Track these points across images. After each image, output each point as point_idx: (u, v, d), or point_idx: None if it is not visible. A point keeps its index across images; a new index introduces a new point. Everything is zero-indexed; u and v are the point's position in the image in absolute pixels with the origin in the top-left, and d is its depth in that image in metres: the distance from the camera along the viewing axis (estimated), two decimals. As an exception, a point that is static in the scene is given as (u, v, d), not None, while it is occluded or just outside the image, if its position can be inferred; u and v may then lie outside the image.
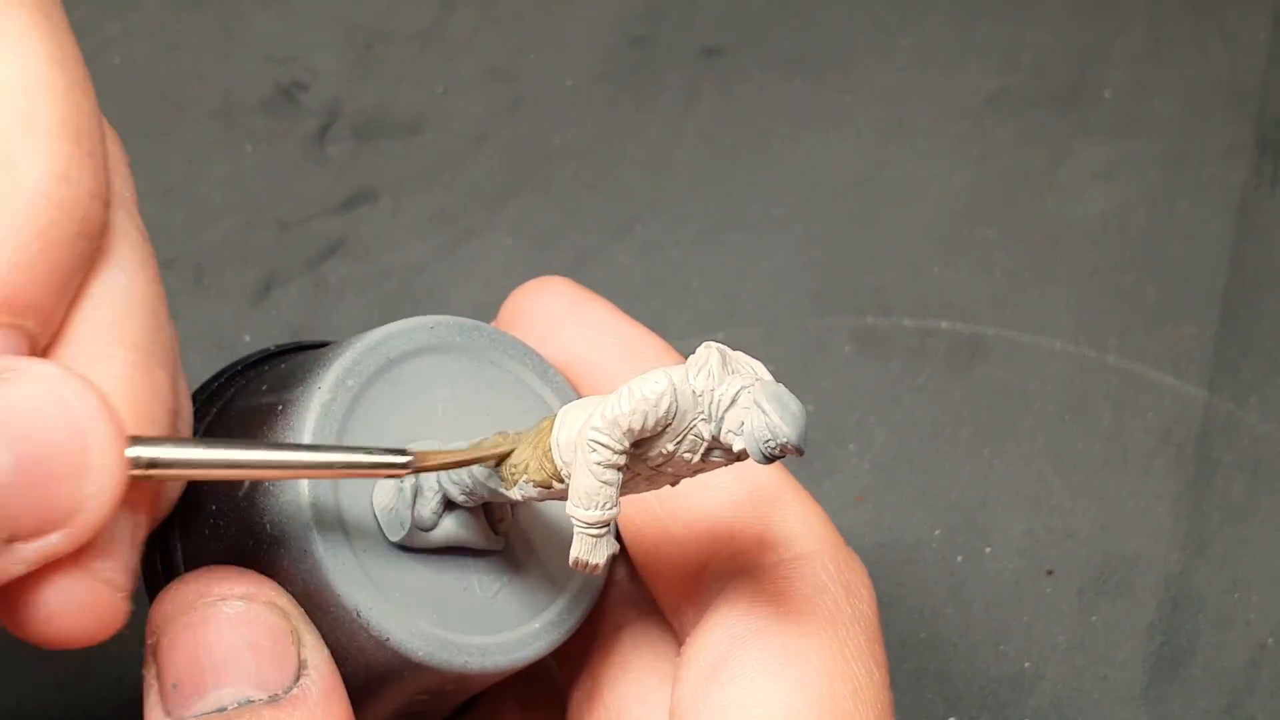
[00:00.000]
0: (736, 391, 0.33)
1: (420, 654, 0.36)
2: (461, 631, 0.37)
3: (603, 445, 0.33)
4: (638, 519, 0.41)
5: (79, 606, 0.32)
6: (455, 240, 0.70)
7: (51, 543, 0.31)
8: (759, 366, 0.34)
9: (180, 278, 0.68)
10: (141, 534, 0.34)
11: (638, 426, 0.32)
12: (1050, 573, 0.61)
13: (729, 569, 0.39)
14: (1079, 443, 0.65)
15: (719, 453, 0.33)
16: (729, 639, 0.37)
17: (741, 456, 0.33)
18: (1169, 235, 0.72)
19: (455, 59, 0.77)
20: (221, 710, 0.34)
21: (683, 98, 0.76)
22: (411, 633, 0.36)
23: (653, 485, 0.34)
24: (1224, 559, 0.62)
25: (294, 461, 0.34)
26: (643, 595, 0.43)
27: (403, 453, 0.35)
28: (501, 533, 0.38)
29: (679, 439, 0.33)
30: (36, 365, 0.31)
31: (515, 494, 0.36)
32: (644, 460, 0.33)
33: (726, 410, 0.32)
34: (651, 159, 0.74)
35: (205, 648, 0.35)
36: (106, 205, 0.36)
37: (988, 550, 0.62)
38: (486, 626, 0.38)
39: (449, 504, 0.37)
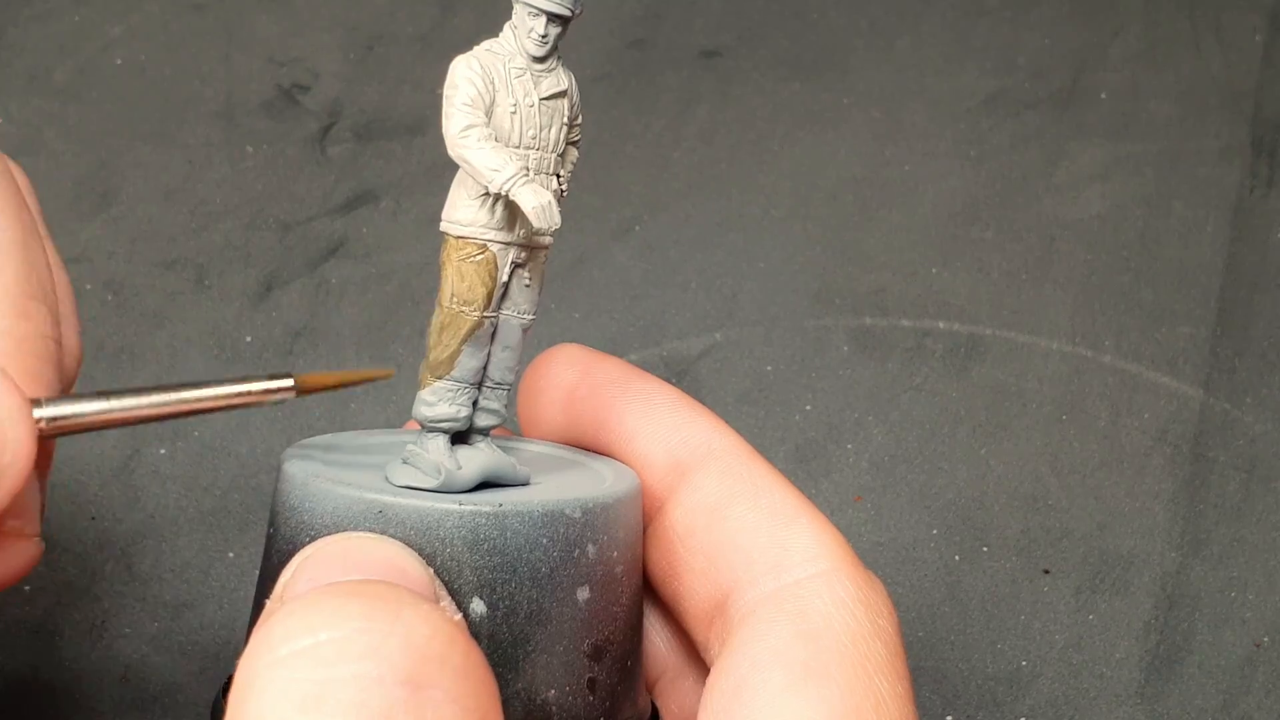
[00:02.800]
0: (515, 20, 0.38)
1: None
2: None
3: (463, 125, 0.37)
4: (660, 556, 0.41)
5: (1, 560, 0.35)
6: (455, 241, 0.70)
7: None
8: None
9: (182, 278, 0.69)
10: (44, 482, 0.36)
11: (469, 96, 0.37)
12: (1047, 572, 0.62)
13: (750, 595, 0.39)
14: (1075, 442, 0.65)
15: (538, 61, 0.38)
16: (750, 660, 0.37)
17: (552, 30, 0.38)
18: (1165, 236, 0.72)
19: (455, 61, 0.77)
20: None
21: (682, 99, 0.76)
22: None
23: (548, 131, 0.39)
24: (1220, 558, 0.62)
25: (187, 399, 0.36)
26: (676, 643, 0.43)
27: (286, 376, 0.37)
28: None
29: (510, 87, 0.38)
30: None
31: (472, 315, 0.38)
32: (510, 118, 0.38)
33: (520, 38, 0.38)
34: (651, 160, 0.74)
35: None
36: None
37: (985, 549, 0.62)
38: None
39: (455, 439, 0.39)
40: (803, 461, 0.64)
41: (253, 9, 0.78)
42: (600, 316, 0.68)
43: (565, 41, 0.39)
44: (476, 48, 0.38)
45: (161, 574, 0.60)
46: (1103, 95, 0.77)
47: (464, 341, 0.38)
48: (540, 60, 0.38)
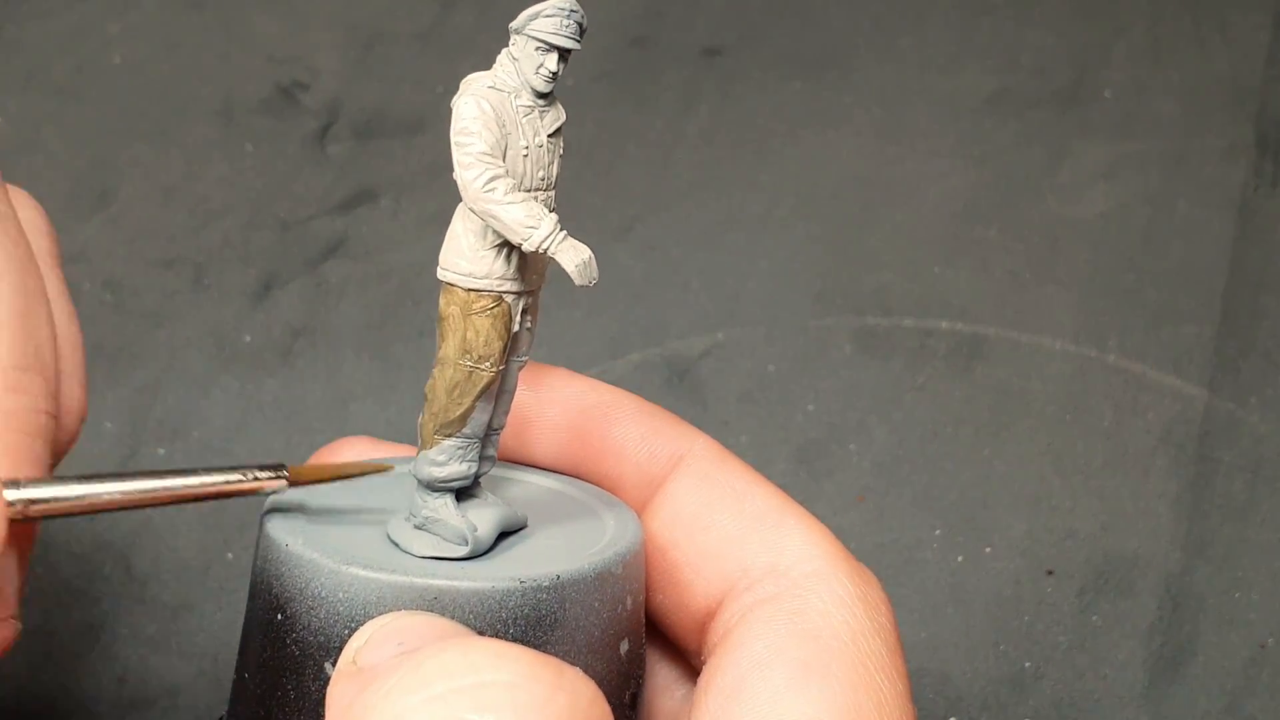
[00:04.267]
0: (515, 52, 0.36)
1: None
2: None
3: (487, 179, 0.35)
4: (647, 568, 0.41)
5: None
6: (456, 240, 0.70)
7: None
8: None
9: (180, 278, 0.68)
10: (25, 562, 0.35)
11: (489, 143, 0.35)
12: (1050, 573, 0.61)
13: (744, 600, 0.38)
14: (1079, 442, 0.65)
15: (542, 96, 0.36)
16: (748, 660, 0.36)
17: (560, 66, 0.36)
18: (1169, 235, 0.72)
19: (455, 59, 0.77)
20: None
21: (683, 98, 0.76)
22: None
23: (550, 169, 0.37)
24: (1224, 559, 0.62)
25: (175, 488, 0.35)
26: (654, 654, 0.43)
27: (280, 467, 0.35)
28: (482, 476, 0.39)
29: (520, 128, 0.36)
30: None
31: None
32: (523, 160, 0.36)
33: (525, 74, 0.36)
34: (652, 159, 0.74)
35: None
36: None
37: (988, 550, 0.62)
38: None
39: (459, 496, 0.38)
40: (805, 462, 0.64)
41: (252, 7, 0.78)
42: (601, 316, 0.68)
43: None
44: (477, 84, 0.36)
45: (160, 575, 0.60)
46: (1107, 94, 0.77)
47: (479, 398, 0.36)
48: (544, 96, 0.36)
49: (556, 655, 0.34)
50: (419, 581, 0.34)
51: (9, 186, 0.38)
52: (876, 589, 0.39)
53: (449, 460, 0.37)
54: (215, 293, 0.68)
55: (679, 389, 0.66)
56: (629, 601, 0.38)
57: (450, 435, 0.37)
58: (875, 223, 0.72)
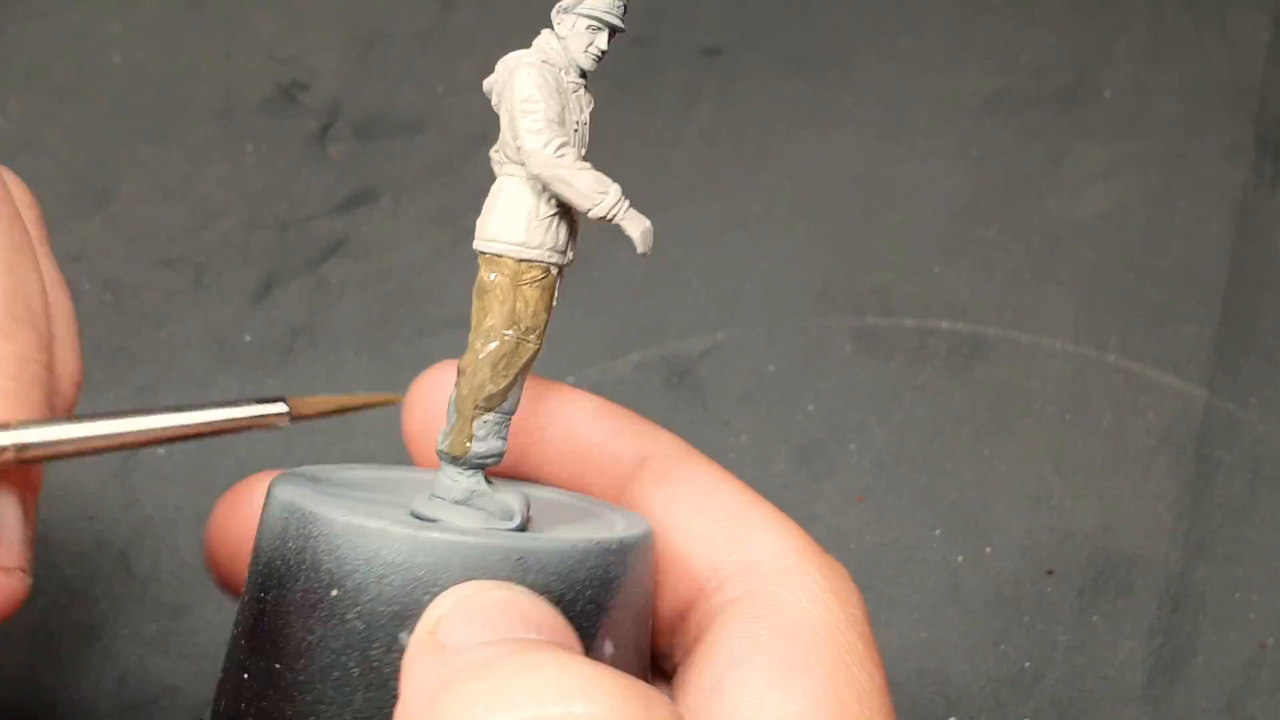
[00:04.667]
0: (562, 31, 0.37)
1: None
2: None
3: (557, 145, 0.35)
4: None
5: None
6: (455, 240, 0.70)
7: None
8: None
9: (181, 277, 0.68)
10: (30, 508, 0.34)
11: (555, 111, 0.35)
12: (1050, 572, 0.61)
13: (716, 599, 0.38)
14: (1079, 442, 0.65)
15: (583, 76, 0.37)
16: (727, 657, 0.36)
17: (604, 39, 0.36)
18: (1169, 235, 0.72)
19: (455, 59, 0.77)
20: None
21: (683, 97, 0.76)
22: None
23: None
24: (1224, 559, 0.62)
25: (173, 426, 0.34)
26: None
27: (280, 400, 0.35)
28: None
29: (573, 103, 0.36)
30: None
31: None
32: (573, 135, 0.36)
33: (572, 52, 0.36)
34: (652, 159, 0.74)
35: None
36: None
37: (988, 550, 0.62)
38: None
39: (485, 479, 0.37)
40: (805, 461, 0.64)
41: (252, 7, 0.78)
42: (601, 316, 0.68)
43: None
44: (529, 58, 0.36)
45: (160, 575, 0.60)
46: (1107, 94, 0.77)
47: (524, 371, 0.36)
48: (585, 75, 0.37)
49: (617, 617, 0.35)
50: (505, 543, 0.33)
51: None
52: (847, 581, 0.38)
53: (488, 435, 0.36)
54: (215, 293, 0.68)
55: (679, 389, 0.66)
56: (653, 579, 0.38)
57: (491, 410, 0.36)
58: (875, 223, 0.72)
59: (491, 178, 0.37)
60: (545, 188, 0.36)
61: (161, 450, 0.63)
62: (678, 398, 0.65)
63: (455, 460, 0.36)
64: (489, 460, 0.36)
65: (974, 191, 0.73)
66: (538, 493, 0.40)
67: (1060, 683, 0.59)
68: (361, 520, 0.34)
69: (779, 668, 0.36)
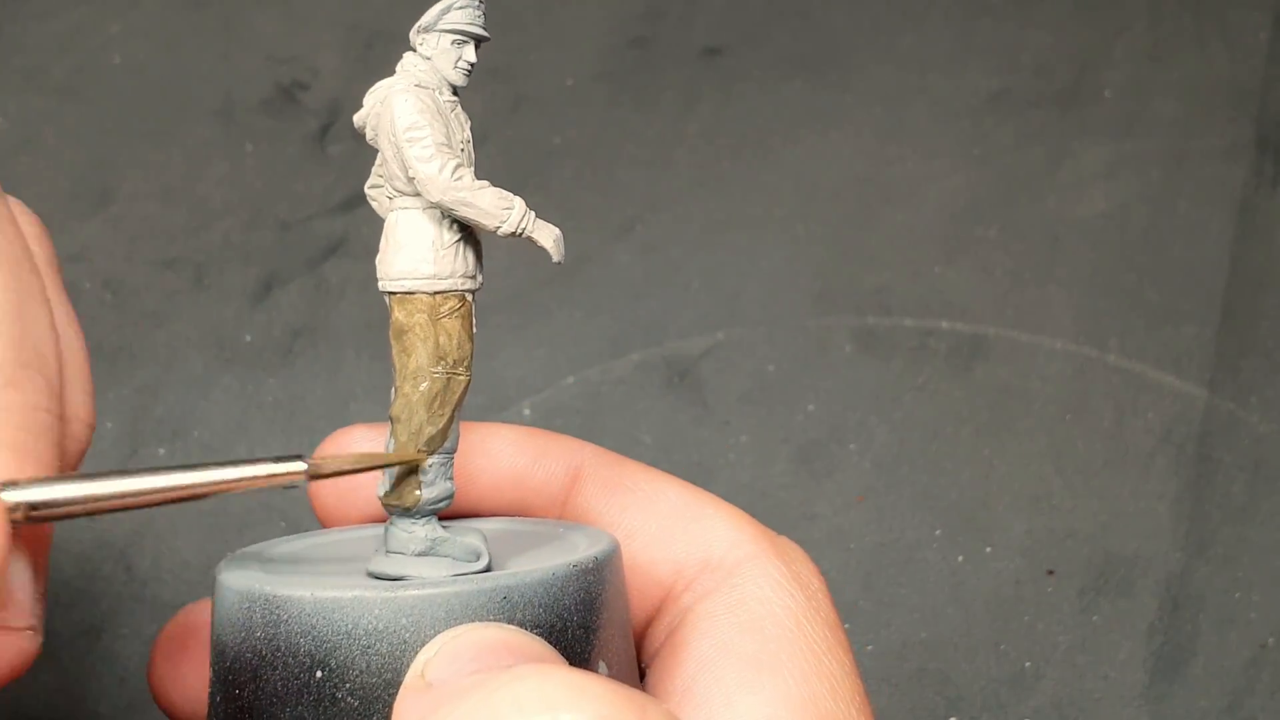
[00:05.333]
0: (426, 50, 0.36)
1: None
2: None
3: (453, 168, 0.34)
4: None
5: None
6: (456, 240, 0.70)
7: None
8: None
9: (181, 278, 0.68)
10: (41, 564, 0.33)
11: (442, 134, 0.34)
12: (1051, 572, 0.61)
13: (684, 600, 0.38)
14: (1080, 442, 0.65)
15: (456, 92, 0.36)
16: (696, 659, 0.36)
17: (472, 51, 0.36)
18: (1169, 235, 0.72)
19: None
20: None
21: (683, 98, 0.76)
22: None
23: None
24: (1224, 559, 0.62)
25: (186, 485, 0.33)
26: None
27: (298, 459, 0.33)
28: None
29: (454, 122, 0.36)
30: None
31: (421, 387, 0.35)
32: (461, 154, 0.35)
33: (441, 70, 0.36)
34: (652, 159, 0.73)
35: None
36: None
37: (988, 550, 0.62)
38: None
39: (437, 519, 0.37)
40: (805, 462, 0.64)
41: (252, 7, 0.78)
42: (601, 316, 0.68)
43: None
44: (399, 84, 0.35)
45: (160, 575, 0.60)
46: (1107, 94, 0.77)
47: (458, 407, 0.35)
48: (457, 92, 0.36)
49: (607, 636, 0.34)
50: (487, 585, 0.32)
51: (5, 196, 0.37)
52: (805, 563, 0.38)
53: (436, 479, 0.35)
54: (215, 293, 0.68)
55: (679, 389, 0.66)
56: (626, 589, 0.37)
57: (433, 452, 0.35)
58: (875, 223, 0.72)
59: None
60: (446, 214, 0.35)
61: (162, 450, 0.63)
62: (678, 398, 0.65)
63: (407, 512, 0.35)
64: (441, 504, 0.36)
65: (974, 191, 0.73)
66: (488, 525, 0.39)
67: (1061, 683, 0.59)
68: (333, 593, 0.32)
69: (749, 667, 0.35)
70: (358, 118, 0.36)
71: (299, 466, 0.33)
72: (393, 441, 0.35)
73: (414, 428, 0.35)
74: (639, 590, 0.39)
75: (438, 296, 0.35)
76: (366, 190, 0.38)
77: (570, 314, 0.68)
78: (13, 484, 0.31)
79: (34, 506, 0.31)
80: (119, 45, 0.76)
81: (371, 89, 0.36)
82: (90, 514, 0.32)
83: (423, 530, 0.35)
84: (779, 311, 0.68)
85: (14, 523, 0.31)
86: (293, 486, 0.34)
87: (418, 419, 0.35)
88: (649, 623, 0.39)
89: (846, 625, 0.60)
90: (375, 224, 0.72)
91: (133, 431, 0.64)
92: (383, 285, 0.35)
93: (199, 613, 0.40)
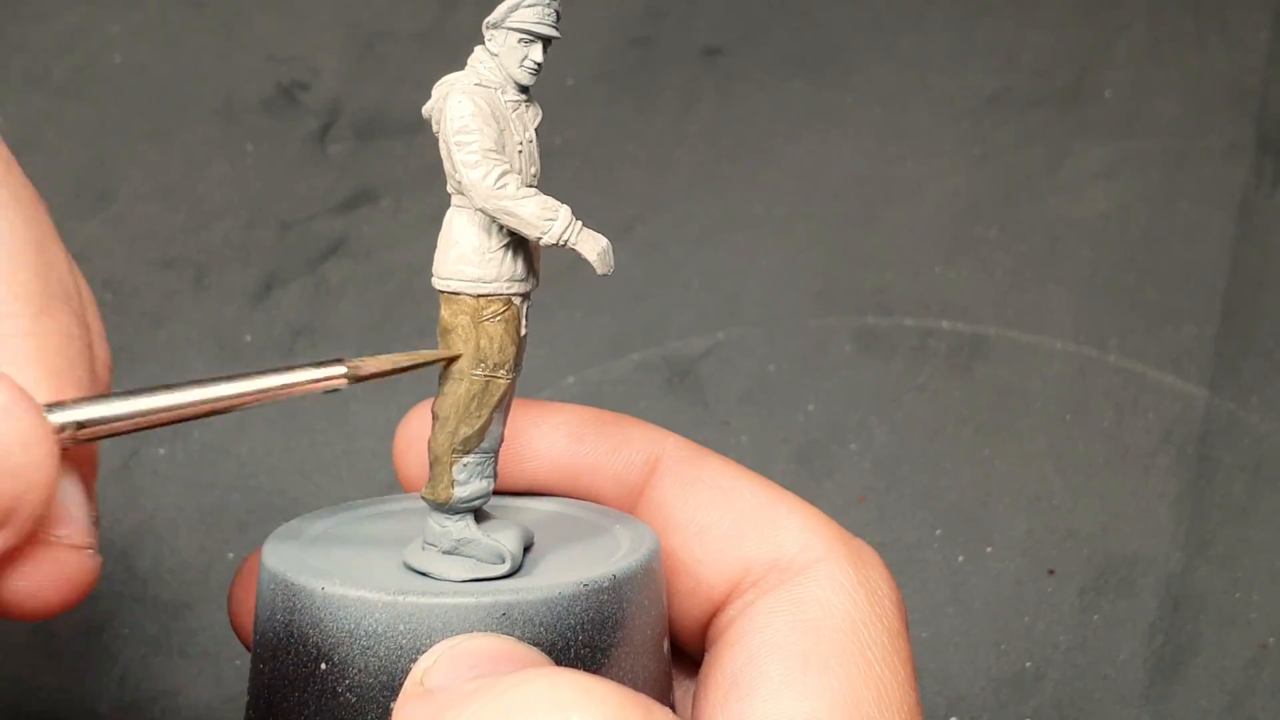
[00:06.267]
0: (494, 47, 0.35)
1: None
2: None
3: (497, 175, 0.34)
4: None
5: (49, 578, 0.31)
6: (456, 240, 0.70)
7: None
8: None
9: (181, 278, 0.68)
10: (92, 487, 0.33)
11: (491, 139, 0.34)
12: (1051, 572, 0.61)
13: (748, 596, 0.38)
14: (1080, 442, 0.65)
15: (523, 91, 0.36)
16: (745, 654, 0.36)
17: (541, 53, 0.36)
18: (1170, 235, 0.72)
19: (456, 58, 0.77)
20: None
21: (683, 97, 0.76)
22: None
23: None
24: (1225, 558, 0.62)
25: (231, 394, 0.33)
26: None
27: (338, 362, 0.33)
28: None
29: (514, 123, 0.35)
30: None
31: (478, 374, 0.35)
32: (518, 157, 0.35)
33: (506, 67, 0.35)
34: (652, 159, 0.73)
35: None
36: None
37: (989, 550, 0.62)
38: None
39: (477, 517, 0.36)
40: (805, 462, 0.64)
41: (252, 7, 0.78)
42: (601, 316, 0.68)
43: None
44: (462, 83, 0.35)
45: (160, 574, 0.60)
46: (1107, 93, 0.77)
47: (496, 409, 0.35)
48: (524, 91, 0.36)
49: (619, 656, 0.34)
50: (486, 600, 0.32)
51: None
52: (879, 570, 0.38)
53: (470, 478, 0.35)
54: (215, 293, 0.68)
55: (679, 389, 0.66)
56: (664, 600, 0.37)
57: (469, 451, 0.35)
58: (876, 222, 0.72)
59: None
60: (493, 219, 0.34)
61: (162, 450, 0.63)
62: (678, 398, 0.65)
63: (439, 508, 0.35)
64: (475, 503, 0.35)
65: (974, 191, 0.73)
66: (543, 506, 0.40)
67: (1061, 682, 0.59)
68: (341, 590, 0.33)
69: (796, 664, 0.35)
70: (426, 109, 0.36)
71: (339, 370, 0.33)
72: (430, 437, 0.35)
73: (450, 427, 0.35)
74: (707, 583, 0.38)
75: (481, 299, 0.35)
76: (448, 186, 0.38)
77: (570, 314, 0.68)
78: (58, 405, 0.31)
79: (80, 425, 0.31)
80: (119, 45, 0.76)
81: (439, 81, 0.36)
82: (136, 429, 0.32)
83: (454, 527, 0.35)
84: (779, 311, 0.68)
85: (63, 442, 0.31)
86: (334, 390, 0.34)
87: (454, 418, 0.35)
88: (713, 615, 0.38)
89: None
90: (375, 224, 0.72)
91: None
92: (434, 283, 0.35)
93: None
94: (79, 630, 0.59)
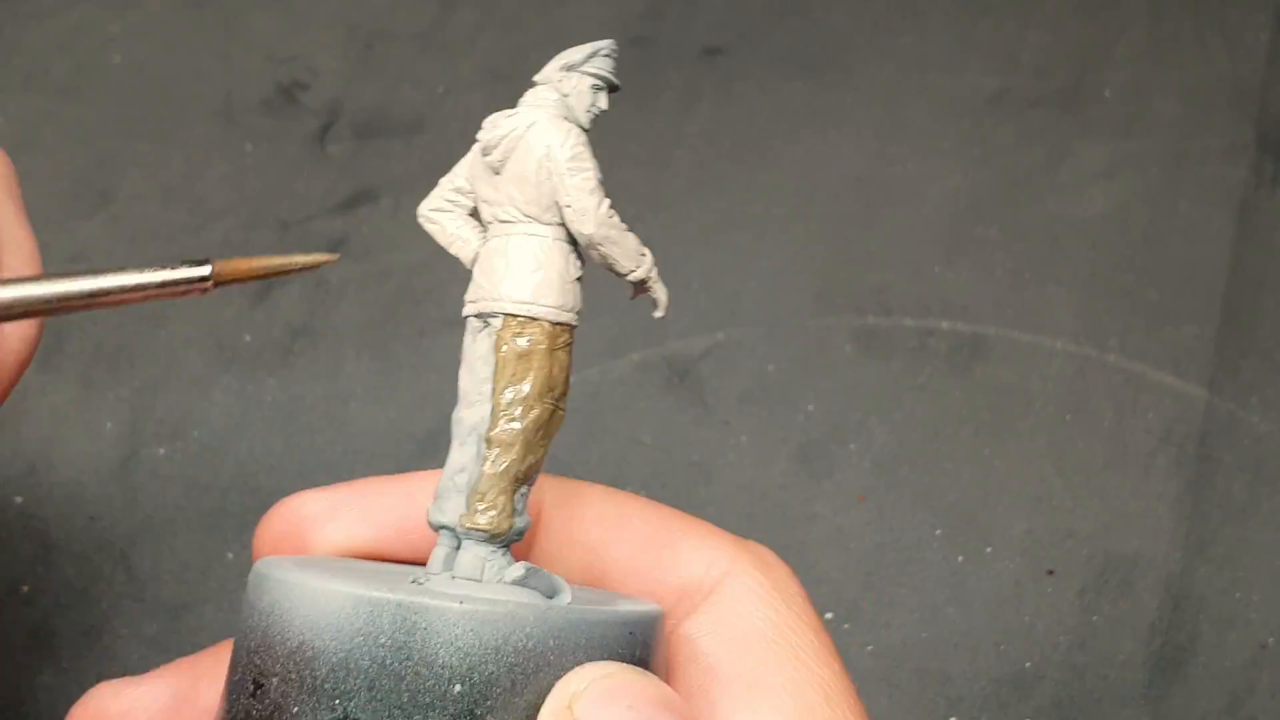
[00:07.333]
0: (565, 88, 0.35)
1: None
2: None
3: (609, 205, 0.34)
4: None
5: None
6: (456, 240, 0.70)
7: None
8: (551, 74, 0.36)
9: (181, 278, 0.68)
10: None
11: (598, 170, 0.34)
12: (1051, 572, 0.61)
13: (666, 624, 0.37)
14: (1080, 442, 0.65)
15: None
16: (685, 688, 0.36)
17: (605, 99, 0.36)
18: (1170, 235, 0.71)
19: (455, 59, 0.77)
20: None
21: (683, 97, 0.76)
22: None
23: None
24: (1225, 559, 0.62)
25: (90, 289, 0.32)
26: None
27: (204, 263, 0.32)
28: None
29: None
30: None
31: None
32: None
33: (574, 109, 0.35)
34: (652, 158, 0.73)
35: None
36: None
37: (989, 550, 0.62)
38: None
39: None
40: (805, 462, 0.64)
41: (252, 7, 0.78)
42: (601, 316, 0.68)
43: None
44: (550, 109, 0.35)
45: (160, 575, 0.60)
46: (1107, 93, 0.77)
47: (551, 439, 0.35)
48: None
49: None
50: (613, 618, 0.32)
51: None
52: (780, 568, 0.38)
53: (523, 509, 0.35)
54: (215, 292, 0.68)
55: (679, 389, 0.66)
56: None
57: (529, 481, 0.34)
58: (876, 222, 0.72)
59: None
60: (588, 248, 0.34)
61: (162, 450, 0.63)
62: (678, 398, 0.65)
63: (495, 538, 0.34)
64: (522, 535, 0.35)
65: (974, 191, 0.73)
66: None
67: (1061, 683, 0.59)
68: (485, 606, 0.31)
69: (741, 687, 0.35)
70: (490, 137, 0.35)
71: (205, 271, 0.33)
72: (483, 466, 0.34)
73: (517, 454, 0.34)
74: None
75: (557, 327, 0.35)
76: (427, 212, 0.37)
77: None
78: None
79: None
80: (119, 45, 0.76)
81: (505, 113, 0.35)
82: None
83: (497, 559, 0.34)
84: (779, 311, 0.68)
85: None
86: (196, 292, 0.33)
87: (522, 445, 0.34)
88: None
89: (846, 625, 0.60)
90: (375, 224, 0.72)
91: (132, 431, 0.63)
92: (504, 306, 0.34)
93: (294, 517, 0.40)
94: (79, 630, 0.59)
